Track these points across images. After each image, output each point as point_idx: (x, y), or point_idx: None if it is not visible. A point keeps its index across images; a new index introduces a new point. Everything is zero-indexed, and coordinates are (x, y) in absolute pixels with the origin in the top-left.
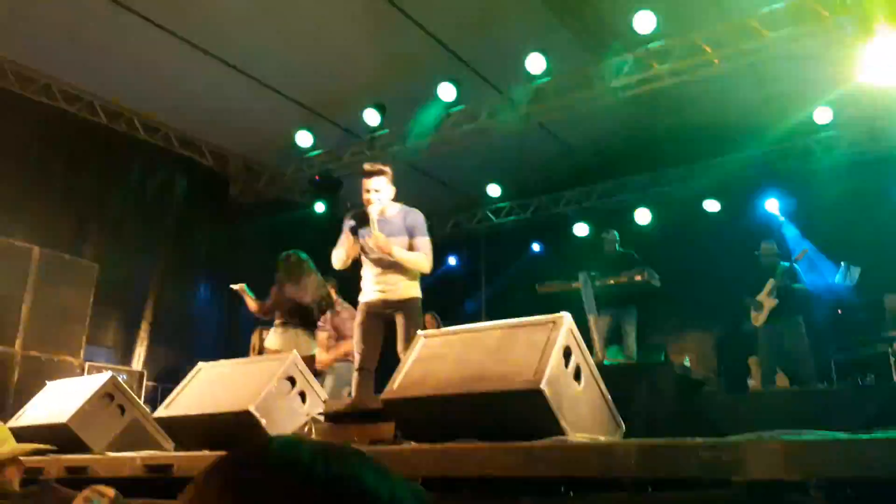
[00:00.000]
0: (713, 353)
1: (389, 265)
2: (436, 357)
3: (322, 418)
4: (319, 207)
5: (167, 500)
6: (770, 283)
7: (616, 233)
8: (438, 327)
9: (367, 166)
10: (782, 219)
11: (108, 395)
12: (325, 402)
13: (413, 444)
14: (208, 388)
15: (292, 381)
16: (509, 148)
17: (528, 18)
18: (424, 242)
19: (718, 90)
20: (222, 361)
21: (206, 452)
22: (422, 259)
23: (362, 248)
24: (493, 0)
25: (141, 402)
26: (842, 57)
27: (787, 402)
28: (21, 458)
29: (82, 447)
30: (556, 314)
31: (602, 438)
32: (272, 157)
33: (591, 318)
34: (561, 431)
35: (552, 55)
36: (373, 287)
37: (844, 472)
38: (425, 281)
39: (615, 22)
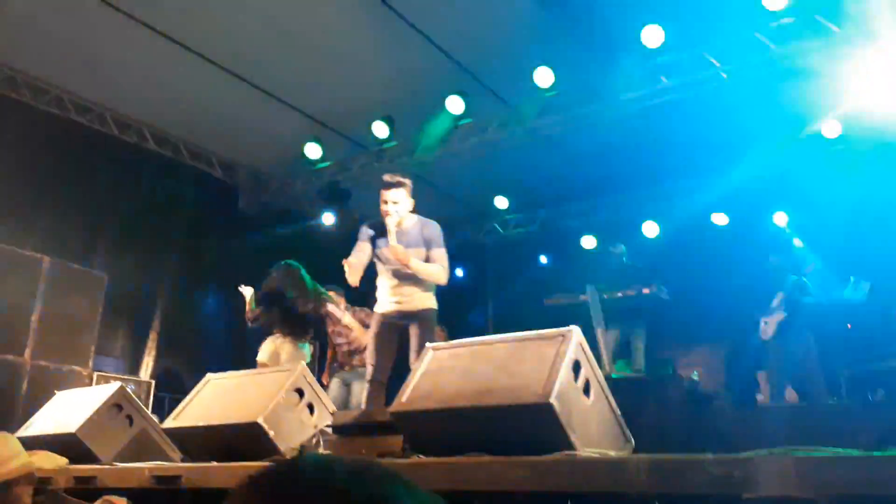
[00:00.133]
0: (722, 367)
1: (406, 276)
2: (444, 370)
3: (330, 430)
4: (328, 219)
5: None
6: (779, 297)
7: (623, 246)
8: (447, 339)
9: (386, 177)
10: (790, 233)
11: (116, 405)
12: (333, 414)
13: (421, 458)
14: (217, 399)
15: (301, 392)
16: (517, 160)
17: (535, 32)
18: (441, 254)
19: (727, 103)
20: (231, 373)
21: (214, 464)
22: (439, 271)
23: (379, 259)
24: (502, 13)
25: (149, 412)
26: (851, 71)
27: (796, 418)
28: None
29: (91, 457)
30: (566, 328)
31: (612, 453)
32: (281, 169)
33: (599, 332)
34: (570, 446)
35: (560, 69)
36: (389, 298)
37: (857, 489)
38: None
39: (623, 36)
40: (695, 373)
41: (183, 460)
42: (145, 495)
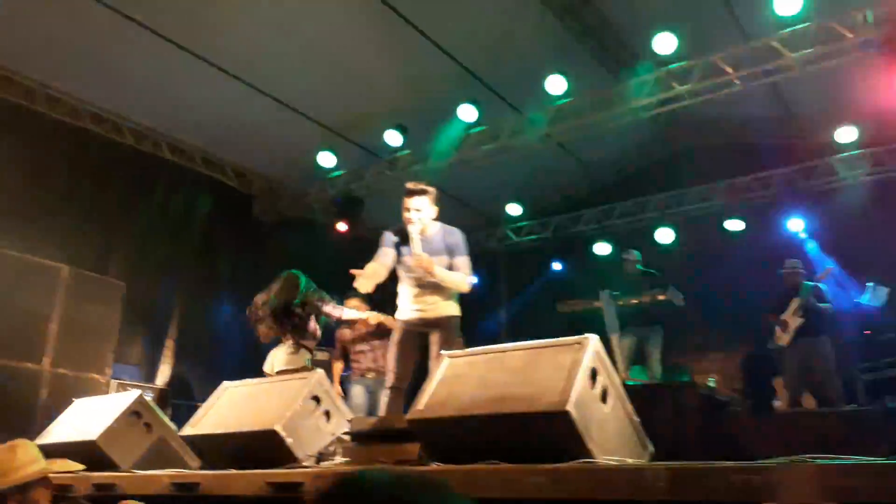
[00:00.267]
0: (738, 374)
1: (428, 284)
2: (461, 377)
3: (347, 437)
4: (341, 227)
5: None
6: (795, 302)
7: (638, 252)
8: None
9: (409, 185)
10: (806, 238)
11: (135, 412)
12: (350, 421)
13: (438, 465)
14: (234, 406)
15: (318, 400)
16: (529, 167)
17: (547, 40)
18: (465, 262)
19: (739, 110)
20: (248, 380)
21: (232, 471)
22: (462, 279)
23: (401, 267)
24: (514, 22)
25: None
26: (865, 77)
27: (813, 424)
28: (50, 476)
29: (110, 465)
30: (583, 335)
31: (630, 461)
32: (295, 177)
33: (614, 338)
34: (588, 454)
35: (572, 76)
36: (411, 306)
37: (879, 497)
38: None
39: (635, 43)
40: (711, 379)
41: (201, 467)
42: (163, 502)
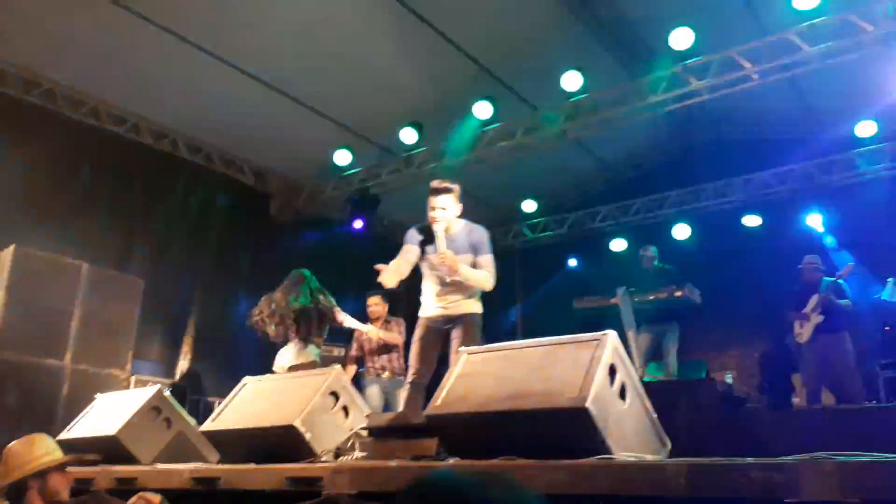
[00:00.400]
0: (756, 370)
1: (452, 282)
2: (479, 374)
3: (365, 433)
4: (357, 224)
5: None
6: (815, 299)
7: (655, 248)
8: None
9: (434, 183)
10: (825, 233)
11: (155, 408)
12: (367, 416)
13: (456, 461)
14: (253, 402)
15: (336, 395)
16: (545, 164)
17: (563, 36)
18: (488, 260)
19: (757, 105)
20: (267, 376)
21: (252, 466)
22: (486, 277)
23: (425, 264)
24: (530, 19)
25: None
26: (885, 70)
27: (832, 421)
28: (69, 468)
29: (131, 459)
30: (601, 332)
31: (648, 457)
32: (311, 176)
33: (630, 335)
34: (606, 450)
35: (588, 72)
36: (434, 303)
37: None
38: None
39: (651, 38)
40: (728, 375)
41: (220, 462)
42: (183, 497)
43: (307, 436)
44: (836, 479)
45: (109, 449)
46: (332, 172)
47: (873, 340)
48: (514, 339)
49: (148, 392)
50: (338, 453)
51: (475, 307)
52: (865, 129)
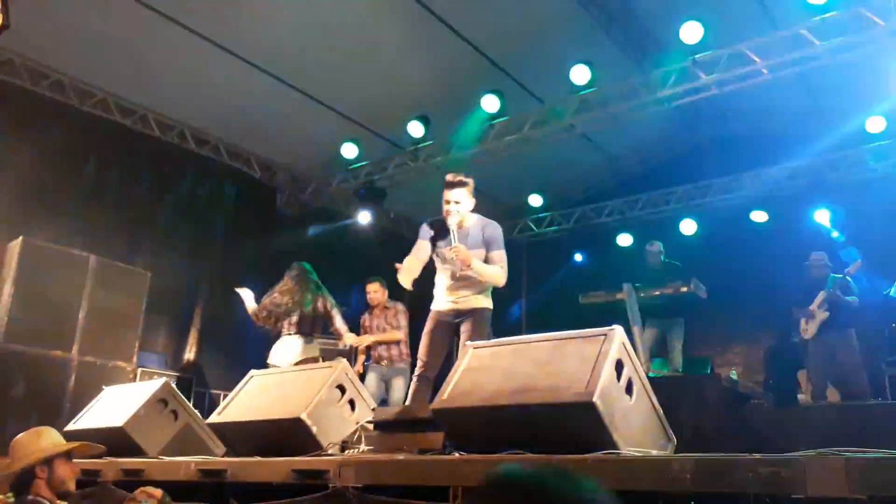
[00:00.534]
0: (761, 366)
1: (464, 277)
2: (485, 368)
3: (371, 426)
4: (364, 217)
5: None
6: (821, 295)
7: (661, 244)
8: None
9: (449, 177)
10: (832, 230)
11: (162, 400)
12: (374, 410)
13: (462, 455)
14: (260, 395)
15: (342, 389)
16: (552, 158)
17: (572, 30)
18: (501, 255)
19: (766, 100)
20: (273, 369)
21: (258, 458)
22: (499, 272)
23: (438, 258)
24: (538, 12)
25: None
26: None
27: (838, 418)
28: (76, 459)
29: (137, 451)
30: (608, 327)
31: (654, 452)
32: (318, 169)
33: (636, 330)
34: (613, 445)
35: (597, 66)
36: (446, 297)
37: None
38: None
39: (661, 32)
40: (733, 372)
41: (226, 454)
42: (189, 489)
43: (313, 429)
44: (843, 475)
45: (116, 441)
46: (338, 165)
47: (880, 337)
48: (518, 333)
49: (155, 384)
50: (344, 446)
51: (485, 302)
52: (875, 124)
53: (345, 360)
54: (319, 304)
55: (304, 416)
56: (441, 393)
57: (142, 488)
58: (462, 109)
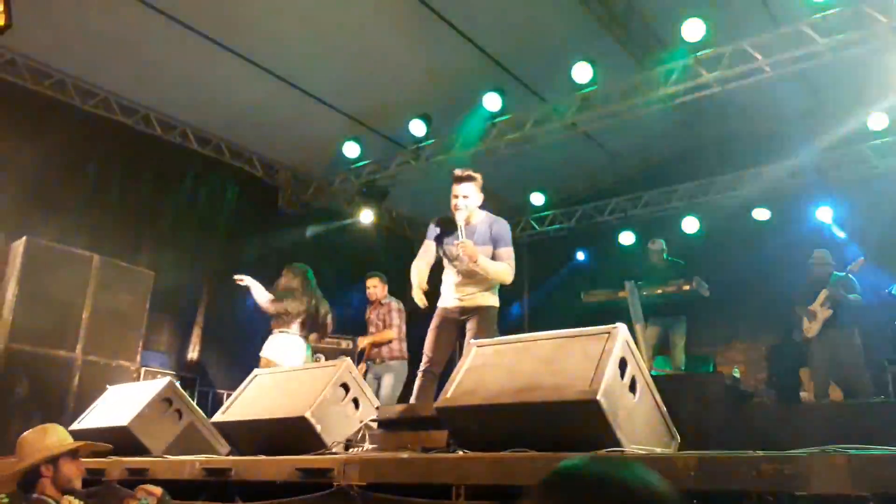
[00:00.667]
0: (763, 365)
1: (471, 273)
2: (489, 366)
3: (375, 424)
4: (366, 216)
5: (222, 503)
6: (824, 293)
7: (663, 241)
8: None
9: (457, 172)
10: (835, 228)
11: (166, 399)
12: (377, 408)
13: (466, 453)
14: (264, 394)
15: (346, 387)
16: (554, 156)
17: (573, 28)
18: (509, 252)
19: (768, 97)
20: (276, 368)
21: (262, 457)
22: (505, 269)
23: (445, 255)
24: (539, 10)
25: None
26: None
27: (841, 416)
28: (82, 458)
29: (142, 450)
30: (612, 325)
31: (657, 450)
32: (320, 168)
33: (638, 328)
34: (617, 443)
35: (598, 64)
36: (452, 294)
37: None
38: None
39: (663, 30)
40: (735, 369)
41: (230, 453)
42: (194, 488)
43: (317, 427)
44: (846, 472)
45: (121, 440)
46: (340, 164)
47: (883, 335)
48: (520, 332)
49: (159, 383)
50: (348, 445)
51: (492, 300)
52: (877, 121)
53: (348, 358)
54: (322, 311)
55: (308, 415)
56: (445, 391)
57: (141, 486)
58: (464, 108)
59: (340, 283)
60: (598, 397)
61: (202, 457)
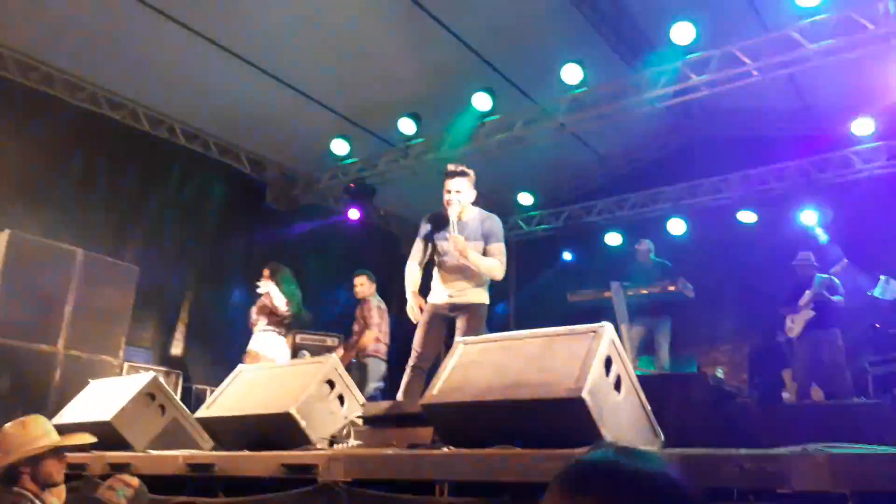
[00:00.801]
0: (747, 365)
1: (461, 269)
2: (475, 364)
3: (360, 421)
4: (353, 214)
5: (206, 499)
6: (807, 295)
7: (651, 242)
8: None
9: (450, 167)
10: (818, 229)
11: (149, 394)
12: (363, 405)
13: (451, 449)
14: (249, 390)
15: (331, 384)
16: (542, 157)
17: (564, 29)
18: (500, 249)
19: (755, 101)
20: (262, 364)
21: (246, 453)
22: (496, 265)
23: (437, 251)
24: (530, 11)
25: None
26: (884, 69)
27: (822, 416)
28: (65, 452)
29: (124, 445)
30: (598, 324)
31: (642, 448)
32: (308, 165)
33: (623, 328)
34: (601, 440)
35: (588, 65)
36: (442, 290)
37: (892, 485)
38: None
39: (652, 32)
40: (719, 370)
41: (214, 449)
42: (177, 483)
43: (302, 423)
44: (827, 470)
45: (103, 435)
46: (329, 162)
47: (864, 337)
48: (506, 331)
49: (143, 378)
50: (333, 441)
51: (482, 297)
52: (862, 126)
53: (335, 355)
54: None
55: (293, 411)
56: (431, 388)
57: (117, 475)
58: (453, 107)
59: (327, 280)
60: (584, 395)
61: (186, 452)
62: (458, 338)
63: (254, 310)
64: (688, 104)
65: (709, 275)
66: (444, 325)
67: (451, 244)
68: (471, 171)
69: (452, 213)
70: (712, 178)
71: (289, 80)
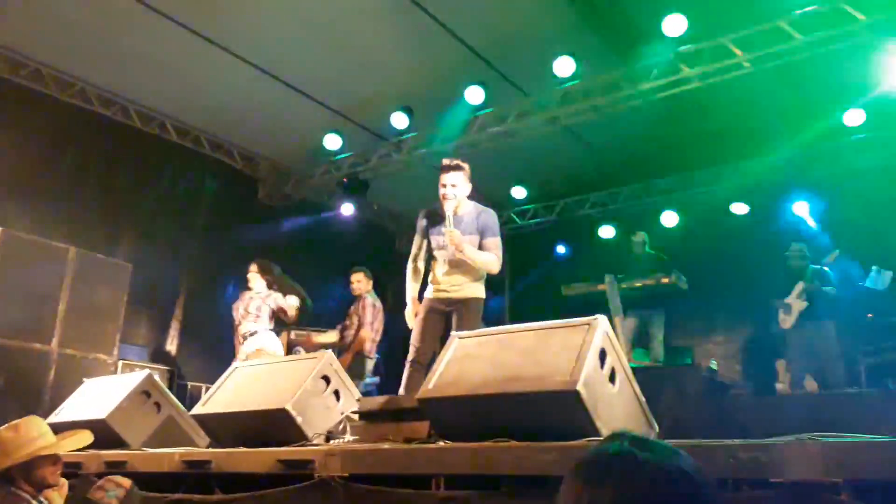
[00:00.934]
0: (740, 356)
1: (458, 264)
2: (470, 357)
3: (356, 416)
4: (346, 209)
5: (203, 496)
6: (799, 286)
7: (646, 234)
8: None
9: (445, 161)
10: (811, 222)
11: (145, 392)
12: (359, 400)
13: (447, 443)
14: (244, 386)
15: (327, 379)
16: (535, 150)
17: (556, 22)
18: (495, 243)
19: (748, 92)
20: (257, 360)
21: (242, 449)
22: (492, 259)
23: (433, 245)
24: (522, 4)
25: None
26: (876, 60)
27: (815, 406)
28: (60, 454)
29: (120, 443)
30: (592, 317)
31: None
32: (300, 160)
33: (617, 321)
34: (596, 432)
35: (581, 58)
36: (439, 284)
37: (884, 474)
38: None
39: (644, 25)
40: (713, 362)
41: (210, 446)
42: (173, 480)
43: (298, 419)
44: (820, 460)
45: (99, 433)
46: (321, 157)
47: (857, 327)
48: (501, 324)
49: (138, 376)
50: (329, 437)
51: (479, 291)
52: (854, 118)
53: (330, 350)
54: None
55: (289, 407)
56: (426, 382)
57: (109, 477)
58: (446, 101)
59: (321, 275)
60: (578, 387)
61: (182, 449)
62: (454, 332)
63: (242, 306)
64: (680, 96)
65: (702, 267)
66: (441, 319)
67: (448, 239)
68: (466, 165)
69: (448, 208)
70: (705, 170)
71: (281, 75)
